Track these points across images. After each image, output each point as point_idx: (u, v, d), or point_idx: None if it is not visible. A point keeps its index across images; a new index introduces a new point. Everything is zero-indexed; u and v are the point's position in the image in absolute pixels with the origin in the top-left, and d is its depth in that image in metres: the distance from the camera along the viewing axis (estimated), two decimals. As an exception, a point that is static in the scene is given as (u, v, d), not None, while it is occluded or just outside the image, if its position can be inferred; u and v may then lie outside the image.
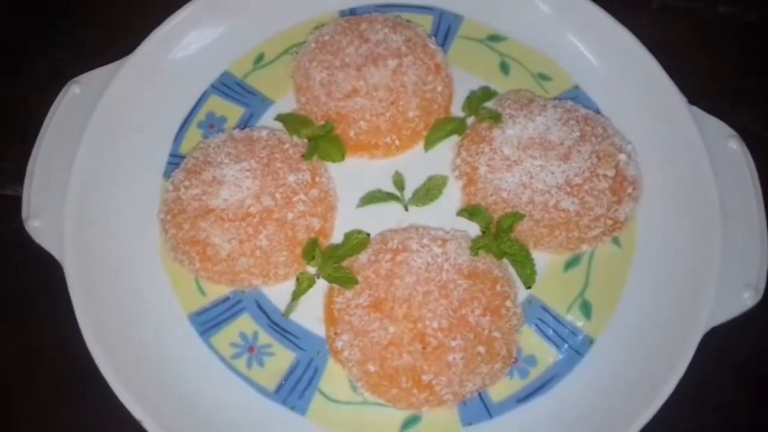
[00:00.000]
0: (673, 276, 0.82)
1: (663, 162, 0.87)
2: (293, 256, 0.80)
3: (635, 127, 0.89)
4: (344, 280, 0.78)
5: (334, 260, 0.79)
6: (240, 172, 0.80)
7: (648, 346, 0.79)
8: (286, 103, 0.92)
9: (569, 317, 0.82)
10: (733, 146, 0.85)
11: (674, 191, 0.86)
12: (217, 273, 0.80)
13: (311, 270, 0.82)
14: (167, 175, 0.87)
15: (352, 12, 0.97)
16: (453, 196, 0.87)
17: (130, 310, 0.80)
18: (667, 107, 0.88)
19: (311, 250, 0.80)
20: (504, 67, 0.95)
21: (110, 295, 0.80)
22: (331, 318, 0.79)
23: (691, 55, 1.00)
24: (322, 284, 0.81)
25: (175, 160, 0.88)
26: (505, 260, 0.81)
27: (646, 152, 0.87)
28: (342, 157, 0.86)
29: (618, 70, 0.93)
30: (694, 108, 0.88)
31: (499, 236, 0.80)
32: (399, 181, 0.87)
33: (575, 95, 0.92)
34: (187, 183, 0.81)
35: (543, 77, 0.94)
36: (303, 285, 0.80)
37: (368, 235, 0.82)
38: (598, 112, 0.91)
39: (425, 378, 0.73)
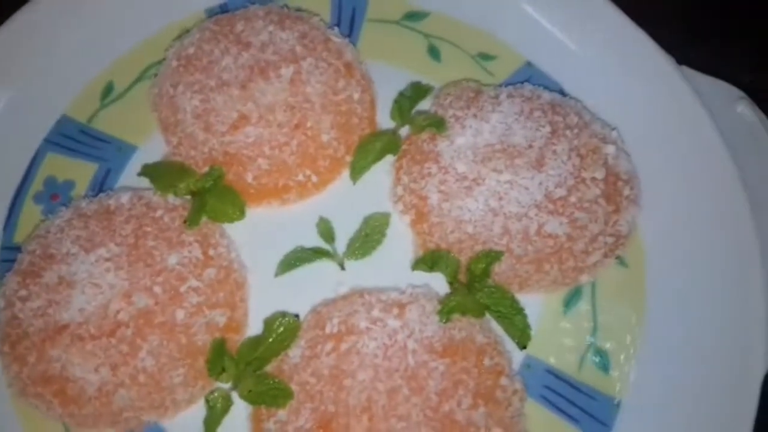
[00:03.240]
0: (704, 292, 0.68)
1: (658, 145, 0.74)
2: (194, 371, 0.65)
3: (614, 105, 0.76)
4: (272, 396, 0.62)
5: (253, 367, 0.64)
6: (96, 265, 0.65)
7: (692, 397, 0.65)
8: (153, 148, 0.76)
9: (583, 376, 0.68)
10: (743, 110, 0.74)
11: (679, 180, 0.72)
12: (90, 417, 0.64)
13: (224, 385, 0.65)
14: (-3, 281, 0.71)
15: (223, 10, 0.82)
16: (401, 237, 0.73)
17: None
18: (652, 73, 0.75)
19: (217, 358, 0.64)
20: (433, 52, 0.82)
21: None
22: (265, 453, 0.63)
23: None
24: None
25: (9, 255, 0.72)
26: (487, 316, 0.67)
27: (635, 136, 0.74)
28: (242, 213, 0.72)
29: (581, 31, 0.80)
30: (686, 68, 0.76)
31: (474, 286, 0.67)
32: (326, 230, 0.74)
33: (529, 75, 0.80)
34: (23, 293, 0.65)
35: (484, 57, 0.81)
36: (216, 409, 0.64)
37: (297, 317, 0.67)
38: (562, 92, 0.78)
39: None
